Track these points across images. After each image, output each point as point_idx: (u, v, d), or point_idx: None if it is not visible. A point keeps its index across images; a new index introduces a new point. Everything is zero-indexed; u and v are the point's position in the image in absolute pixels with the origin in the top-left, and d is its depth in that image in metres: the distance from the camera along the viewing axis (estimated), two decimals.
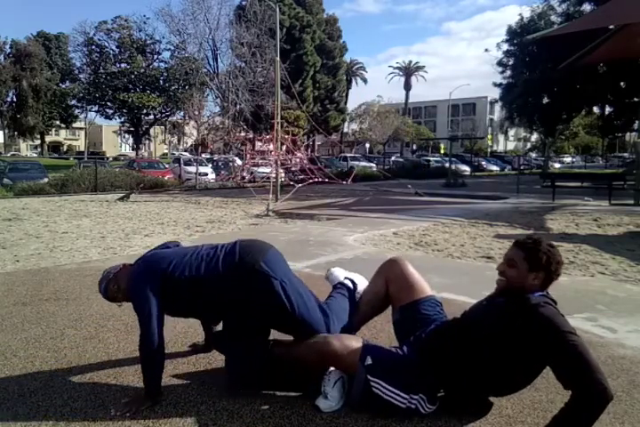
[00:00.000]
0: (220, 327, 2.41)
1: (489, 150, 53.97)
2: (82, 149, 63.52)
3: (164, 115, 42.80)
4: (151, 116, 42.80)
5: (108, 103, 40.92)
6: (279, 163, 13.63)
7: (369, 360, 2.00)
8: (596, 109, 31.74)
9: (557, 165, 40.87)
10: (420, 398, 1.97)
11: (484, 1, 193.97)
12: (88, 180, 14.77)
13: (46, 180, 15.14)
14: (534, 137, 57.24)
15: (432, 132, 61.07)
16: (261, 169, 18.26)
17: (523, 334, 1.85)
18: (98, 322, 3.15)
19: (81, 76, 44.67)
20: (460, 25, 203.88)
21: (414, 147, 60.59)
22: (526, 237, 2.09)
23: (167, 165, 23.16)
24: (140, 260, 2.26)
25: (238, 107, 29.06)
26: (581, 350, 1.75)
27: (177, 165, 21.97)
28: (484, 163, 37.36)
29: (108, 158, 35.21)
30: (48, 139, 60.88)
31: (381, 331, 3.02)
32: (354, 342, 2.07)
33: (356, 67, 57.97)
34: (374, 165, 28.52)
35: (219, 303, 2.17)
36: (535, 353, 1.84)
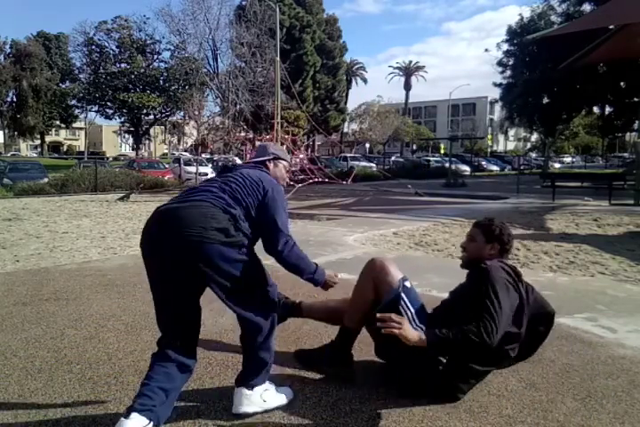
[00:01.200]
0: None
1: (489, 150, 53.97)
2: (82, 149, 63.54)
3: (163, 115, 42.80)
4: (151, 116, 42.80)
5: (108, 103, 40.91)
6: None
7: (407, 284, 2.29)
8: (596, 109, 31.75)
9: (557, 165, 40.88)
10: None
11: (484, 1, 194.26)
12: (88, 180, 14.76)
13: (46, 180, 15.14)
14: (534, 137, 57.24)
15: (432, 132, 61.07)
16: None
17: (479, 291, 2.11)
18: (98, 322, 3.15)
19: (81, 76, 44.67)
20: (460, 25, 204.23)
21: (414, 147, 60.60)
22: (483, 218, 2.50)
23: (167, 165, 23.16)
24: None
25: (238, 107, 29.06)
26: (494, 307, 2.00)
27: (177, 165, 21.97)
28: (484, 163, 37.37)
29: (107, 158, 35.22)
30: (48, 139, 60.88)
31: None
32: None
33: (356, 67, 57.97)
34: (374, 165, 28.53)
35: None
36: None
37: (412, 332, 1.95)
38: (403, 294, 2.24)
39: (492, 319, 1.96)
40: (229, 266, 1.97)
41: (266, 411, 2.07)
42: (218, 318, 3.25)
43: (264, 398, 2.08)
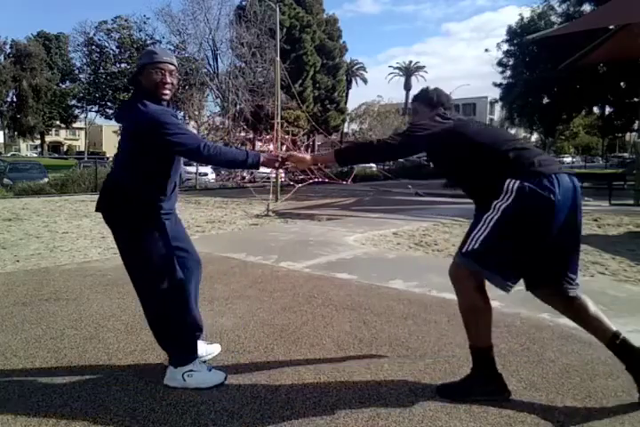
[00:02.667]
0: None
1: None
2: (82, 149, 63.50)
3: None
4: None
5: (108, 103, 40.93)
6: None
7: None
8: (595, 109, 31.73)
9: None
10: None
11: (483, 2, 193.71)
12: (88, 180, 14.76)
13: (46, 180, 15.14)
14: (534, 137, 57.22)
15: None
16: (261, 169, 18.25)
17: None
18: (98, 322, 3.15)
19: (81, 76, 44.69)
20: (460, 25, 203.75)
21: None
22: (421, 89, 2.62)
23: None
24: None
25: (238, 107, 29.06)
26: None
27: None
28: None
29: (108, 158, 35.20)
30: (48, 139, 60.82)
31: (381, 331, 3.02)
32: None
33: (356, 67, 57.94)
34: (374, 165, 28.51)
35: None
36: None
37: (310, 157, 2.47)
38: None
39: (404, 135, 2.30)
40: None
41: (185, 388, 2.25)
42: (218, 318, 3.25)
43: (185, 377, 2.27)
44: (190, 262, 2.50)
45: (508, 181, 2.07)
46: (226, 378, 2.34)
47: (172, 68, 2.26)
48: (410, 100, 2.66)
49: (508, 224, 2.06)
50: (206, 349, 2.59)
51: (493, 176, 2.13)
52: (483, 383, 2.16)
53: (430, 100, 2.51)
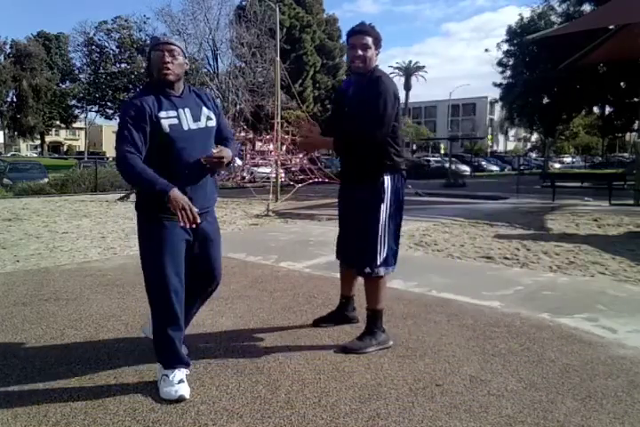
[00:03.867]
0: None
1: (489, 150, 53.94)
2: (82, 149, 63.49)
3: None
4: None
5: (108, 103, 40.90)
6: (279, 163, 13.62)
7: None
8: (595, 109, 31.73)
9: (557, 166, 40.87)
10: None
11: (483, 2, 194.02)
12: (88, 180, 14.75)
13: (46, 180, 15.13)
14: (534, 137, 57.22)
15: (432, 133, 61.05)
16: (261, 169, 18.26)
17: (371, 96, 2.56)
18: (98, 322, 3.15)
19: (81, 76, 44.65)
20: (459, 26, 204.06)
21: (414, 147, 60.58)
22: (360, 23, 2.66)
23: None
24: None
25: (238, 107, 29.05)
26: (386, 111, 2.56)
27: None
28: (483, 163, 37.32)
29: (107, 158, 35.20)
30: (48, 139, 60.83)
31: None
32: None
33: None
34: None
35: None
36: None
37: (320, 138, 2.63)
38: None
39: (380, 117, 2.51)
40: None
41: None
42: (218, 318, 3.25)
43: (160, 378, 2.25)
44: (201, 277, 2.41)
45: None
46: (179, 398, 2.15)
47: (172, 47, 2.21)
48: (359, 33, 2.63)
49: None
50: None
51: None
52: (378, 335, 2.74)
53: (379, 40, 2.65)
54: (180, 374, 2.24)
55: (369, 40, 2.59)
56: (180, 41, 2.34)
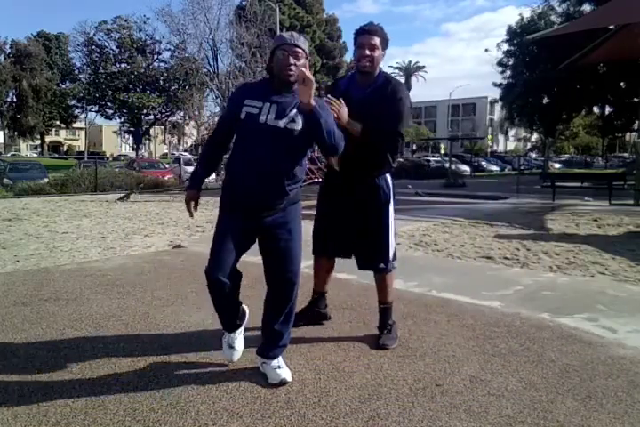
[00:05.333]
0: None
1: (489, 150, 53.92)
2: (82, 149, 63.49)
3: (164, 115, 42.80)
4: (151, 116, 42.78)
5: (108, 103, 40.90)
6: None
7: None
8: (595, 109, 31.72)
9: (557, 166, 40.88)
10: None
11: (482, 2, 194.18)
12: (88, 180, 14.75)
13: (46, 180, 15.13)
14: (534, 137, 57.21)
15: (432, 133, 61.07)
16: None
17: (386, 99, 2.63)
18: (98, 322, 3.15)
19: (81, 76, 44.64)
20: (459, 26, 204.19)
21: (414, 147, 60.58)
22: (369, 23, 2.65)
23: (167, 165, 23.14)
24: None
25: None
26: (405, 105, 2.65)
27: (177, 165, 21.96)
28: (484, 163, 37.32)
29: (107, 158, 35.21)
30: (48, 139, 60.85)
31: None
32: None
33: None
34: None
35: None
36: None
37: (347, 116, 2.52)
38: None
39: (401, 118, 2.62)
40: None
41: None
42: (217, 318, 3.24)
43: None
44: (271, 281, 2.49)
45: None
46: (230, 360, 2.49)
47: (297, 50, 2.24)
48: (368, 33, 2.63)
49: None
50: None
51: None
52: (395, 326, 2.92)
53: (386, 41, 2.67)
54: (232, 336, 2.48)
55: (377, 40, 2.60)
56: (305, 42, 2.30)
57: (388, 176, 2.82)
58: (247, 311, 2.58)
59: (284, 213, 2.38)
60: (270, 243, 2.38)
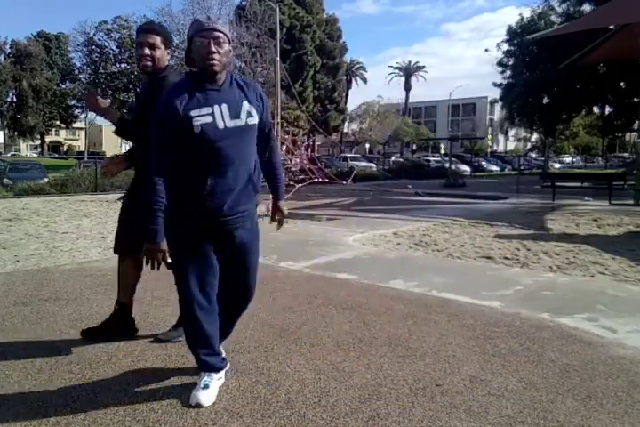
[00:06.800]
0: None
1: (489, 150, 53.92)
2: (82, 149, 63.48)
3: None
4: None
5: None
6: None
7: None
8: (596, 109, 31.71)
9: (557, 166, 40.88)
10: None
11: (482, 2, 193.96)
12: (88, 180, 14.75)
13: (46, 180, 15.12)
14: (534, 137, 57.21)
15: (432, 133, 61.05)
16: None
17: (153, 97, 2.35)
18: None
19: (81, 76, 44.63)
20: (459, 26, 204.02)
21: (414, 147, 60.58)
22: (147, 22, 2.75)
23: None
24: None
25: None
26: None
27: None
28: (484, 163, 37.33)
29: None
30: (48, 139, 60.81)
31: (381, 331, 3.02)
32: None
33: (356, 67, 57.94)
34: (374, 165, 28.52)
35: None
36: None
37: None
38: None
39: None
40: None
41: None
42: None
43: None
44: (232, 289, 2.29)
45: None
46: (197, 404, 2.13)
47: (217, 34, 2.02)
48: (146, 32, 2.58)
49: None
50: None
51: None
52: (121, 326, 2.85)
53: (169, 39, 2.63)
54: (208, 378, 2.20)
55: (157, 39, 2.54)
56: (224, 25, 2.09)
57: None
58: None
59: (248, 216, 2.20)
60: (237, 251, 2.20)
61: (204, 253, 2.13)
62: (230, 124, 2.04)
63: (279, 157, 2.36)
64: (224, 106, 2.04)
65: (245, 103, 2.09)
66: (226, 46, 2.03)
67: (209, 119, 2.00)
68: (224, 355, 2.37)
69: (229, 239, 2.16)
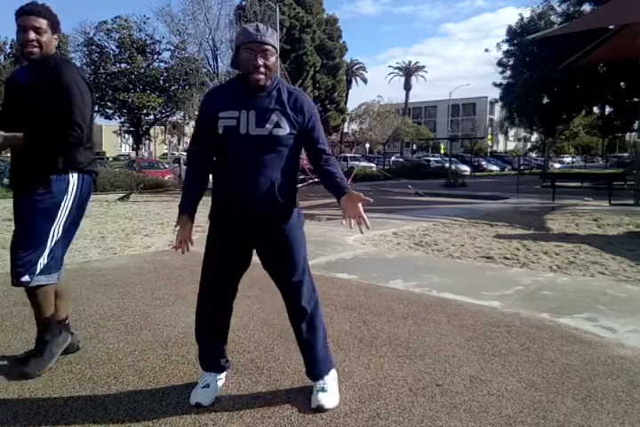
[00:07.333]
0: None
1: (489, 150, 53.92)
2: None
3: (164, 115, 42.79)
4: (151, 116, 42.79)
5: (108, 103, 40.89)
6: None
7: None
8: (595, 109, 31.69)
9: (557, 165, 40.88)
10: None
11: (481, 3, 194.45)
12: None
13: None
14: (534, 137, 57.16)
15: (432, 133, 61.02)
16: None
17: (53, 86, 2.29)
18: (98, 322, 3.15)
19: None
20: (458, 26, 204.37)
21: (414, 147, 60.57)
22: (30, 3, 2.35)
23: (167, 165, 23.16)
24: None
25: None
26: (77, 101, 2.29)
27: (177, 165, 21.97)
28: (483, 163, 37.36)
29: (107, 158, 35.25)
30: None
31: (381, 331, 3.02)
32: None
33: (356, 67, 57.97)
34: (374, 165, 28.53)
35: None
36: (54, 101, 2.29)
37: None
38: None
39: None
40: None
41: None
42: None
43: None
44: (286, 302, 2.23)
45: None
46: (197, 404, 2.12)
47: (266, 47, 2.00)
48: (31, 14, 2.32)
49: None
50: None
51: None
52: (55, 337, 2.52)
53: (57, 23, 2.43)
54: (210, 378, 2.23)
55: (43, 23, 2.32)
56: (274, 33, 2.03)
57: (74, 175, 2.40)
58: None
59: (282, 226, 2.14)
60: (271, 254, 2.19)
61: (230, 254, 2.16)
62: (253, 131, 2.01)
63: (337, 169, 2.18)
64: (252, 113, 2.02)
65: (276, 113, 2.03)
66: (272, 58, 2.01)
67: (233, 123, 2.01)
68: (228, 357, 2.37)
69: (260, 242, 2.17)
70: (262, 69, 1.98)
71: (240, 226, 2.12)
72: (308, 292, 2.19)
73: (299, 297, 2.17)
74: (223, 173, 2.10)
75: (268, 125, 2.01)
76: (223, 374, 2.30)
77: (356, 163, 28.61)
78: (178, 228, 2.22)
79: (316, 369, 2.22)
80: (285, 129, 2.03)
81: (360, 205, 2.05)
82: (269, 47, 1.99)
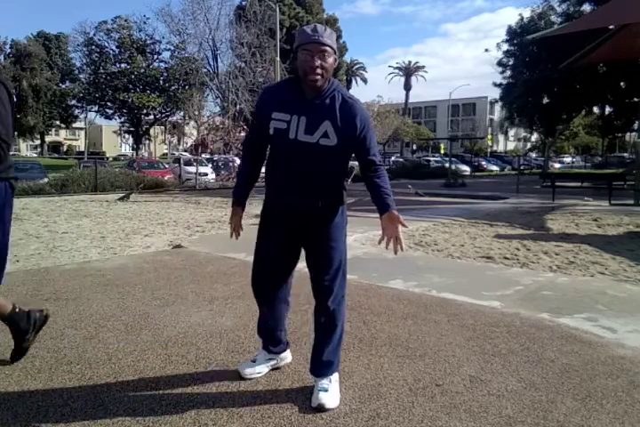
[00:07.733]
0: None
1: (489, 150, 53.93)
2: (82, 149, 63.51)
3: (164, 115, 42.81)
4: (151, 116, 42.83)
5: (108, 103, 40.95)
6: None
7: None
8: (596, 109, 31.72)
9: (557, 165, 40.88)
10: None
11: (481, 3, 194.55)
12: (88, 180, 14.75)
13: (46, 180, 15.13)
14: (534, 137, 57.16)
15: (432, 133, 61.02)
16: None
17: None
18: (98, 322, 3.15)
19: (81, 76, 44.68)
20: (458, 26, 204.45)
21: (414, 147, 60.57)
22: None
23: (167, 165, 23.16)
24: None
25: (238, 107, 29.05)
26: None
27: (177, 165, 21.98)
28: (483, 163, 37.37)
29: (107, 158, 35.27)
30: (48, 139, 60.87)
31: (381, 331, 3.02)
32: None
33: (356, 67, 57.99)
34: None
35: None
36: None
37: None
38: None
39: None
40: None
41: None
42: (217, 317, 3.25)
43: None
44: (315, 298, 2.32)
45: None
46: (242, 374, 2.38)
47: (324, 48, 1.96)
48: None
49: None
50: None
51: None
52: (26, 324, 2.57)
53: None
54: (261, 355, 2.44)
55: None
56: (332, 34, 2.00)
57: None
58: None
59: (326, 226, 2.22)
60: (309, 249, 2.35)
61: (279, 244, 2.29)
62: (302, 137, 2.03)
63: (385, 182, 2.14)
64: (303, 118, 2.02)
65: (326, 123, 2.01)
66: (330, 60, 1.98)
67: (283, 126, 2.04)
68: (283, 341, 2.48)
69: (304, 235, 2.28)
70: (319, 71, 1.95)
71: (287, 223, 2.22)
72: (338, 295, 2.23)
73: (327, 296, 2.21)
74: (273, 170, 2.21)
75: (316, 134, 2.02)
76: (275, 355, 2.45)
77: (356, 163, 28.53)
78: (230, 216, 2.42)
79: (322, 368, 2.22)
80: (333, 140, 2.02)
81: (400, 226, 2.03)
82: (327, 48, 1.95)
